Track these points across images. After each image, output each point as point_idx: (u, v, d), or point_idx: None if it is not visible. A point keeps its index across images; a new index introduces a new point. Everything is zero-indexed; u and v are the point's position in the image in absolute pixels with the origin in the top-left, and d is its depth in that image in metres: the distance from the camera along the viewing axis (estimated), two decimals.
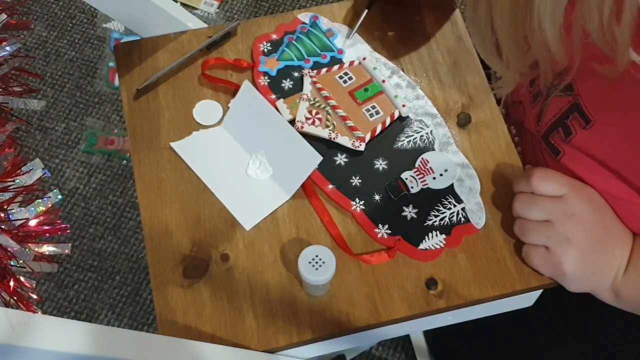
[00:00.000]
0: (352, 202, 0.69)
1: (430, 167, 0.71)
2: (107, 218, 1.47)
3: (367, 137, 0.72)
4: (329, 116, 0.73)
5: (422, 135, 0.73)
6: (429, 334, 1.18)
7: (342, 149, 0.72)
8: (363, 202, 0.69)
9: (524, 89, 0.76)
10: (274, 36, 0.79)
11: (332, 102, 0.74)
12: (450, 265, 0.66)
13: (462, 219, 0.68)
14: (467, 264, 0.66)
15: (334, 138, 0.72)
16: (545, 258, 0.63)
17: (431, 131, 0.73)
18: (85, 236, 1.45)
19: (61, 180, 1.50)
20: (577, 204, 0.62)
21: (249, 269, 0.67)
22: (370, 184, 0.70)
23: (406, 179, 0.70)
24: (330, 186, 0.70)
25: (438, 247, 0.67)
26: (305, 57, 0.77)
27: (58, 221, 0.59)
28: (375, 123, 0.73)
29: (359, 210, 0.69)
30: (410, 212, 0.69)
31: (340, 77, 0.76)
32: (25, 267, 0.56)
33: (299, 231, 0.68)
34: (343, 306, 0.65)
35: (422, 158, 0.71)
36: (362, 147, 0.71)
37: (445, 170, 0.71)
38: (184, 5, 1.66)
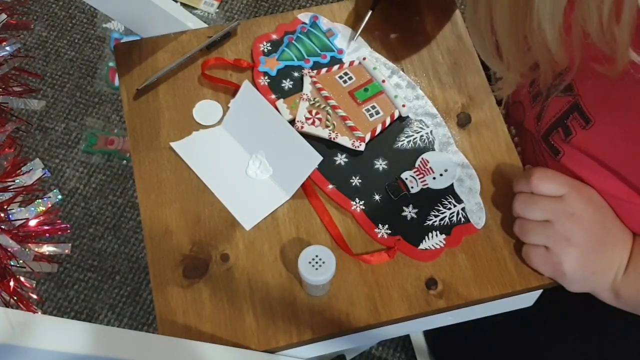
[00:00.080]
0: (352, 202, 0.69)
1: (430, 167, 0.71)
2: (107, 218, 1.47)
3: (367, 137, 0.72)
4: (329, 116, 0.73)
5: (422, 135, 0.73)
6: (429, 334, 1.18)
7: (342, 149, 0.72)
8: (363, 202, 0.69)
9: (524, 89, 0.76)
10: (274, 36, 0.79)
11: (332, 102, 0.74)
12: (450, 265, 0.66)
13: (462, 219, 0.68)
14: (467, 264, 0.66)
15: (334, 138, 0.72)
16: (545, 258, 0.63)
17: (431, 131, 0.73)
18: (85, 236, 1.45)
19: (61, 180, 1.50)
20: (577, 204, 0.62)
21: (249, 269, 0.67)
22: (370, 184, 0.70)
23: (406, 179, 0.70)
24: (330, 186, 0.70)
25: (438, 247, 0.67)
26: (305, 57, 0.77)
27: (58, 221, 0.59)
28: (375, 123, 0.73)
29: (359, 210, 0.69)
30: (410, 212, 0.69)
31: (340, 77, 0.76)
32: (25, 267, 0.56)
33: (299, 231, 0.68)
34: (343, 306, 0.65)
35: (422, 158, 0.71)
36: (362, 147, 0.71)
37: (445, 170, 0.71)
38: (184, 5, 1.66)
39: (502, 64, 0.61)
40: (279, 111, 0.73)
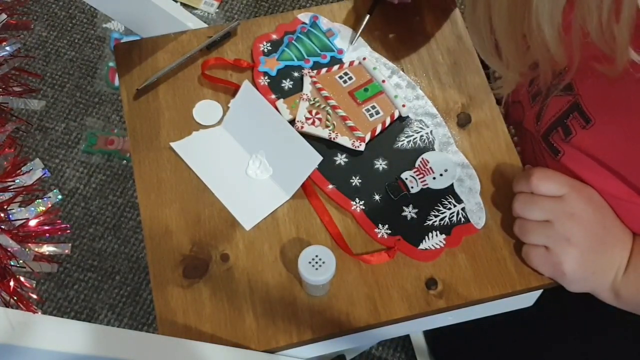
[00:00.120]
0: (352, 202, 0.69)
1: (430, 167, 0.71)
2: (107, 218, 1.47)
3: (367, 137, 0.72)
4: (329, 116, 0.73)
5: (422, 135, 0.73)
6: (429, 334, 1.18)
7: (342, 149, 0.72)
8: (363, 202, 0.69)
9: (523, 88, 0.76)
10: (274, 36, 0.79)
11: (332, 102, 0.74)
12: (450, 265, 0.66)
13: (462, 219, 0.68)
14: (467, 264, 0.66)
15: (334, 138, 0.72)
16: (545, 258, 0.63)
17: (431, 131, 0.73)
18: (85, 236, 1.45)
19: (61, 180, 1.50)
20: (577, 204, 0.62)
21: (249, 269, 0.67)
22: (370, 184, 0.70)
23: (406, 179, 0.70)
24: (330, 186, 0.70)
25: (438, 247, 0.67)
26: (305, 57, 0.77)
27: (58, 221, 0.59)
28: (375, 123, 0.73)
29: (359, 210, 0.69)
30: (410, 212, 0.69)
31: (340, 77, 0.76)
32: (25, 267, 0.56)
33: (299, 231, 0.68)
34: (343, 306, 0.65)
35: (422, 158, 0.71)
36: (362, 147, 0.71)
37: (445, 170, 0.71)
38: (184, 5, 1.66)
39: (502, 63, 0.61)
40: (279, 111, 0.73)
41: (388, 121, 0.73)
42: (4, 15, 0.60)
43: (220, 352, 0.60)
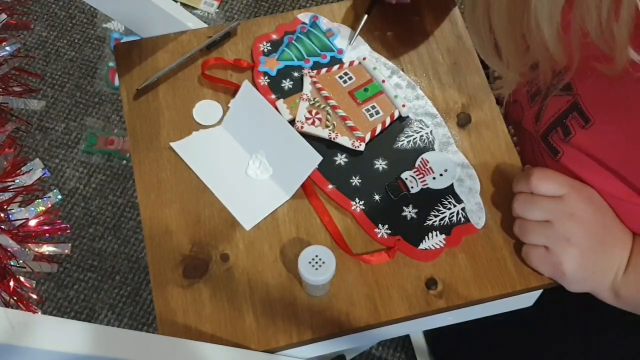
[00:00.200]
0: (352, 202, 0.69)
1: (430, 167, 0.71)
2: (107, 218, 1.47)
3: (367, 137, 0.72)
4: (329, 116, 0.73)
5: (422, 135, 0.73)
6: (429, 334, 1.18)
7: (342, 149, 0.72)
8: (363, 202, 0.69)
9: (523, 88, 0.76)
10: (274, 36, 0.79)
11: (332, 102, 0.74)
12: (450, 265, 0.66)
13: (462, 219, 0.68)
14: (467, 264, 0.66)
15: (334, 138, 0.72)
16: (545, 258, 0.63)
17: (431, 131, 0.73)
18: (85, 236, 1.45)
19: (61, 180, 1.50)
20: (577, 204, 0.62)
21: (249, 269, 0.67)
22: (370, 184, 0.70)
23: (406, 179, 0.70)
24: (330, 186, 0.70)
25: (438, 247, 0.67)
26: (305, 57, 0.77)
27: (58, 221, 0.59)
28: (375, 123, 0.73)
29: (359, 210, 0.69)
30: (410, 212, 0.69)
31: (340, 77, 0.76)
32: (25, 267, 0.56)
33: (299, 231, 0.68)
34: (343, 306, 0.65)
35: (422, 158, 0.71)
36: (362, 147, 0.71)
37: (445, 170, 0.71)
38: (184, 5, 1.66)
39: (502, 63, 0.61)
40: (279, 111, 0.73)
41: (388, 121, 0.73)
42: (4, 15, 0.60)
43: (220, 352, 0.60)
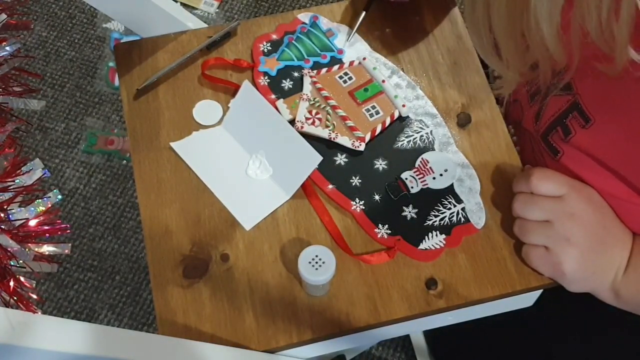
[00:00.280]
0: (352, 202, 0.69)
1: (430, 167, 0.71)
2: (107, 218, 1.47)
3: (367, 137, 0.72)
4: (329, 116, 0.73)
5: (422, 135, 0.73)
6: (429, 334, 1.18)
7: (342, 149, 0.72)
8: (363, 202, 0.69)
9: (523, 88, 0.76)
10: (274, 36, 0.79)
11: (332, 102, 0.74)
12: (450, 265, 0.66)
13: (462, 219, 0.68)
14: (467, 264, 0.66)
15: (334, 138, 0.72)
16: (545, 258, 0.63)
17: (431, 131, 0.73)
18: (85, 236, 1.45)
19: (61, 180, 1.50)
20: (577, 204, 0.62)
21: (249, 269, 0.67)
22: (370, 184, 0.70)
23: (406, 179, 0.70)
24: (330, 186, 0.70)
25: (438, 247, 0.67)
26: (305, 57, 0.77)
27: (58, 221, 0.59)
28: (375, 123, 0.73)
29: (359, 210, 0.69)
30: (410, 212, 0.69)
31: (340, 77, 0.76)
32: (25, 267, 0.56)
33: (299, 231, 0.68)
34: (343, 306, 0.65)
35: (422, 158, 0.71)
36: (362, 147, 0.71)
37: (445, 170, 0.71)
38: (184, 5, 1.66)
39: (501, 62, 0.61)
40: (279, 111, 0.73)
41: (388, 121, 0.73)
42: (4, 15, 0.60)
43: (220, 352, 0.60)
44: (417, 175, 0.71)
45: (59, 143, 1.54)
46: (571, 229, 0.62)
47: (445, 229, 0.68)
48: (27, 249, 0.56)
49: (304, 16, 0.80)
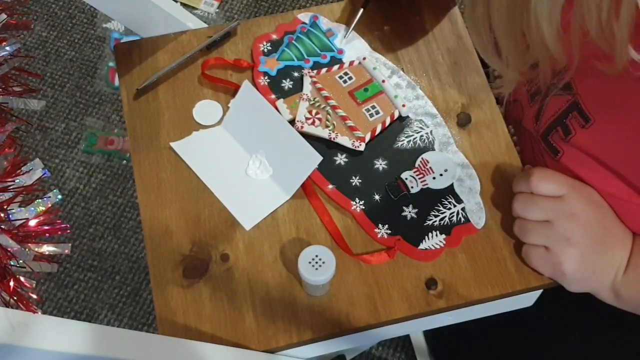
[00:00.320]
0: (352, 202, 0.69)
1: (430, 167, 0.71)
2: (107, 218, 1.47)
3: (367, 137, 0.72)
4: (329, 116, 0.73)
5: (422, 135, 0.73)
6: (429, 334, 1.18)
7: (342, 149, 0.72)
8: (363, 202, 0.69)
9: (523, 87, 0.76)
10: (274, 36, 0.79)
11: (332, 102, 0.74)
12: (450, 265, 0.66)
13: (462, 219, 0.68)
14: (467, 264, 0.66)
15: (334, 138, 0.72)
16: (545, 258, 0.63)
17: (431, 131, 0.73)
18: (85, 236, 1.45)
19: (61, 180, 1.50)
20: (577, 204, 0.62)
21: (249, 269, 0.67)
22: (370, 184, 0.70)
23: (406, 179, 0.70)
24: (330, 186, 0.70)
25: (438, 247, 0.67)
26: (305, 57, 0.77)
27: (58, 221, 0.59)
28: (375, 123, 0.73)
29: (359, 210, 0.69)
30: (410, 212, 0.69)
31: (340, 77, 0.76)
32: (25, 267, 0.56)
33: (299, 231, 0.68)
34: (343, 306, 0.65)
35: (422, 158, 0.71)
36: (362, 147, 0.71)
37: (445, 170, 0.71)
38: (184, 5, 1.66)
39: (501, 61, 0.61)
40: (279, 111, 0.73)
41: (388, 121, 0.73)
42: (4, 15, 0.60)
43: (220, 352, 0.60)
44: (417, 175, 0.71)
45: (59, 143, 1.54)
46: (571, 229, 0.62)
47: (445, 229, 0.68)
48: (27, 249, 0.56)
49: (304, 16, 0.80)
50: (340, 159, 0.72)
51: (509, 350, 0.86)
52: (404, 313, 0.64)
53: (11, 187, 0.56)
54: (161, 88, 0.76)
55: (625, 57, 0.51)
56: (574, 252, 0.62)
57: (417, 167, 0.71)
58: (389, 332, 0.69)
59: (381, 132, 0.73)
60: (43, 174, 0.61)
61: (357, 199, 0.70)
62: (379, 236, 0.68)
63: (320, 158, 0.67)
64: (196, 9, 1.69)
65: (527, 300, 0.72)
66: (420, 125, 0.73)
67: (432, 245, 0.67)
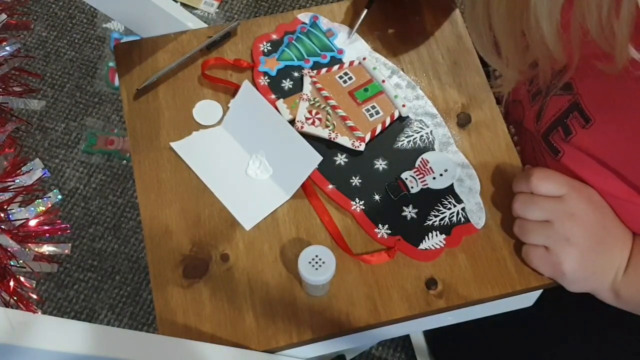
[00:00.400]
0: (352, 202, 0.69)
1: (430, 167, 0.71)
2: (107, 218, 1.47)
3: (367, 137, 0.72)
4: (329, 116, 0.73)
5: (422, 135, 0.73)
6: (429, 334, 1.18)
7: (342, 149, 0.72)
8: (363, 202, 0.69)
9: (523, 87, 0.76)
10: (274, 36, 0.79)
11: (332, 102, 0.74)
12: (450, 265, 0.66)
13: (462, 219, 0.68)
14: (467, 264, 0.66)
15: (334, 138, 0.72)
16: (545, 258, 0.63)
17: (431, 131, 0.73)
18: (85, 236, 1.45)
19: (61, 180, 1.50)
20: (577, 204, 0.62)
21: (249, 269, 0.67)
22: (370, 184, 0.70)
23: (406, 179, 0.70)
24: (330, 186, 0.70)
25: (438, 247, 0.67)
26: (305, 57, 0.77)
27: (58, 221, 0.59)
28: (375, 123, 0.73)
29: (359, 210, 0.69)
30: (410, 212, 0.69)
31: (340, 77, 0.76)
32: (25, 267, 0.56)
33: (299, 231, 0.68)
34: (343, 306, 0.65)
35: (422, 158, 0.71)
36: (362, 147, 0.71)
37: (445, 170, 0.71)
38: (184, 5, 1.66)
39: (501, 60, 0.61)
40: (279, 111, 0.73)
41: (388, 121, 0.73)
42: (4, 15, 0.60)
43: (220, 352, 0.60)
44: (417, 175, 0.71)
45: (59, 143, 1.54)
46: (571, 229, 0.62)
47: (445, 229, 0.68)
48: (27, 249, 0.56)
49: (304, 16, 0.80)
50: (340, 159, 0.72)
51: (509, 350, 0.86)
52: (404, 313, 0.64)
53: (11, 187, 0.56)
54: (161, 88, 0.76)
55: (626, 56, 0.51)
56: (574, 252, 0.62)
57: (417, 167, 0.71)
58: (389, 332, 0.69)
59: (381, 132, 0.73)
60: (43, 174, 0.61)
61: (357, 199, 0.70)
62: (379, 236, 0.68)
63: (320, 158, 0.67)
64: (196, 9, 1.69)
65: (527, 300, 0.72)
66: (420, 125, 0.73)
67: (432, 245, 0.67)
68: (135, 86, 0.75)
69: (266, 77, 0.76)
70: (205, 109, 0.75)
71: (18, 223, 0.56)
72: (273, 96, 0.75)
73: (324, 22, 0.80)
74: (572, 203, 0.62)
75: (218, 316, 0.65)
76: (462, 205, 0.69)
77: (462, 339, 0.94)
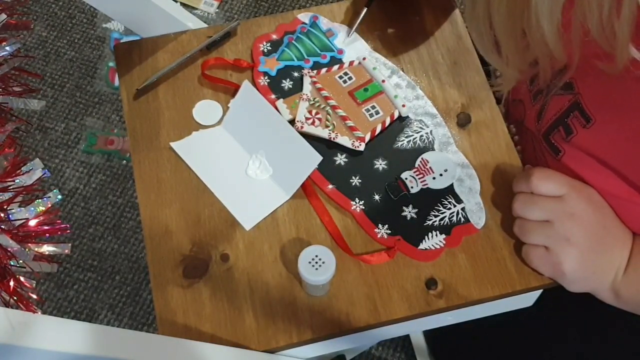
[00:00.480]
0: (352, 202, 0.69)
1: (430, 167, 0.71)
2: (107, 218, 1.47)
3: (367, 137, 0.72)
4: (328, 116, 0.73)
5: (422, 135, 0.73)
6: (429, 334, 1.18)
7: (342, 149, 0.72)
8: (363, 202, 0.69)
9: (524, 87, 0.76)
10: (274, 36, 0.79)
11: (332, 102, 0.74)
12: (450, 265, 0.66)
13: (462, 219, 0.68)
14: (467, 264, 0.66)
15: (333, 138, 0.72)
16: (545, 258, 0.63)
17: (431, 131, 0.73)
18: (85, 236, 1.45)
19: (61, 180, 1.50)
20: (577, 204, 0.62)
21: (249, 269, 0.67)
22: (370, 184, 0.70)
23: (406, 179, 0.70)
24: (330, 186, 0.70)
25: (438, 247, 0.67)
26: (305, 57, 0.77)
27: (58, 221, 0.59)
28: (375, 123, 0.73)
29: (358, 210, 0.69)
30: (410, 212, 0.69)
31: (340, 77, 0.76)
32: (25, 267, 0.56)
33: (299, 231, 0.68)
34: (343, 306, 0.65)
35: (422, 158, 0.71)
36: (362, 147, 0.71)
37: (445, 170, 0.71)
38: (184, 5, 1.66)
39: (501, 59, 0.61)
40: (279, 111, 0.73)
41: (388, 121, 0.73)
42: (4, 15, 0.60)
43: (220, 352, 0.60)
44: (417, 175, 0.70)
45: (59, 143, 1.54)
46: (571, 229, 0.61)
47: (445, 229, 0.68)
48: (27, 249, 0.56)
49: (304, 16, 0.80)
50: (340, 159, 0.72)
51: (509, 350, 0.86)
52: (404, 313, 0.64)
53: (11, 187, 0.56)
54: (161, 88, 0.76)
55: (626, 56, 0.51)
56: (574, 252, 0.62)
57: (417, 167, 0.71)
58: (389, 332, 0.69)
59: (381, 132, 0.73)
60: (43, 174, 0.61)
61: (357, 199, 0.70)
62: (379, 236, 0.68)
63: (320, 158, 0.67)
64: (196, 9, 1.69)
65: (527, 300, 0.72)
66: (420, 125, 0.73)
67: (432, 245, 0.67)
68: (135, 86, 0.75)
69: (266, 77, 0.76)
70: (205, 109, 0.75)
71: (18, 223, 0.56)
72: (273, 96, 0.75)
73: (324, 22, 0.80)
74: (573, 203, 0.62)
75: (218, 316, 0.65)
76: (462, 205, 0.69)
77: (462, 339, 0.94)
